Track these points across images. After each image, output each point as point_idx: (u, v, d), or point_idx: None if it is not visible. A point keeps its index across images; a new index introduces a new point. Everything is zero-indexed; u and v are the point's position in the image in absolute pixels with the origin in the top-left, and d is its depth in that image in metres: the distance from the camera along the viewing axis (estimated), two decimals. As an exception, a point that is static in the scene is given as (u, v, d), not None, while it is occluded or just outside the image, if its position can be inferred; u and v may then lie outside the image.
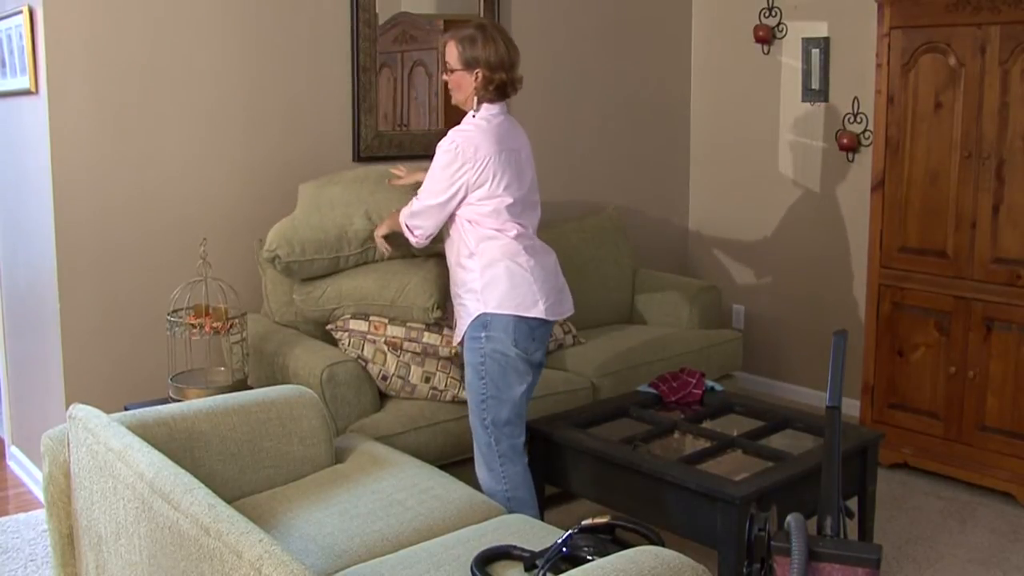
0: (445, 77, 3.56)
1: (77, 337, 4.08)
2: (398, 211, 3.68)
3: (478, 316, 3.42)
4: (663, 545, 2.45)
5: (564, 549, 2.45)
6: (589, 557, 2.39)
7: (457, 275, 3.52)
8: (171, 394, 3.68)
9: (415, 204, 3.55)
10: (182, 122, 4.25)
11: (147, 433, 2.85)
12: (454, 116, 5.16)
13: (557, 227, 5.26)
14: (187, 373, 3.81)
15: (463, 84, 3.50)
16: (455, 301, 3.56)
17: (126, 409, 3.42)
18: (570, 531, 2.51)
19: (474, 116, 3.52)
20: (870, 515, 3.79)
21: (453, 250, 3.53)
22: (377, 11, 4.76)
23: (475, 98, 3.50)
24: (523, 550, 2.58)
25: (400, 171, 4.14)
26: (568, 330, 4.68)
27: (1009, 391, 4.40)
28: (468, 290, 3.46)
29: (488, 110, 3.52)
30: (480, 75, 3.45)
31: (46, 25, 3.90)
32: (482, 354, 3.43)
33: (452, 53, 3.48)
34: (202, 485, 2.33)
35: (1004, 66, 4.29)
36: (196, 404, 3.13)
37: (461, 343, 3.56)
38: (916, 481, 4.68)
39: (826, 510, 2.39)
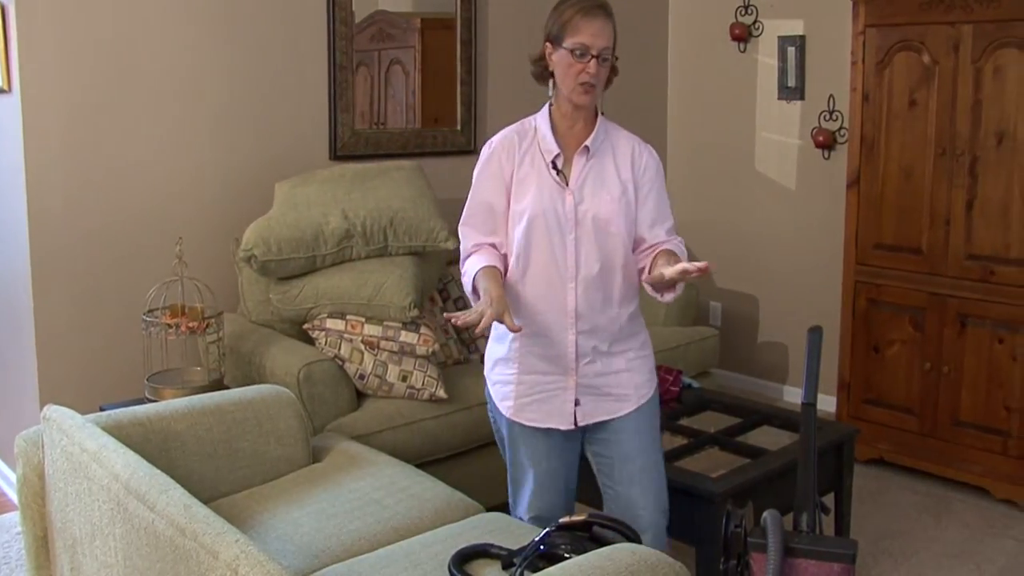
0: (595, 72, 2.78)
1: (51, 337, 4.05)
2: (670, 254, 2.82)
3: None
4: (640, 542, 2.45)
5: (542, 547, 2.45)
6: (566, 555, 2.39)
7: (636, 312, 2.96)
8: (147, 394, 3.66)
9: (674, 227, 2.94)
10: (157, 121, 4.22)
11: (122, 434, 2.83)
12: (431, 114, 5.21)
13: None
14: (163, 373, 3.79)
15: (606, 76, 2.87)
16: (619, 354, 2.92)
17: (101, 410, 3.41)
18: (547, 529, 2.50)
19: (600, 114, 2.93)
20: (846, 510, 3.81)
21: (624, 283, 2.88)
22: (354, 9, 4.75)
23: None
24: (501, 548, 2.58)
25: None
26: (546, 328, 4.68)
27: (983, 386, 4.43)
28: (647, 337, 3.03)
29: None
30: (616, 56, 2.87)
31: (18, 23, 3.87)
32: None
33: (610, 34, 2.83)
34: (178, 485, 2.32)
35: (977, 64, 4.32)
36: (172, 404, 3.12)
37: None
38: (892, 476, 4.71)
39: (802, 506, 2.40)
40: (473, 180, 2.94)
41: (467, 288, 2.86)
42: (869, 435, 4.71)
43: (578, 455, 3.01)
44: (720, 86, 5.96)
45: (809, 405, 2.50)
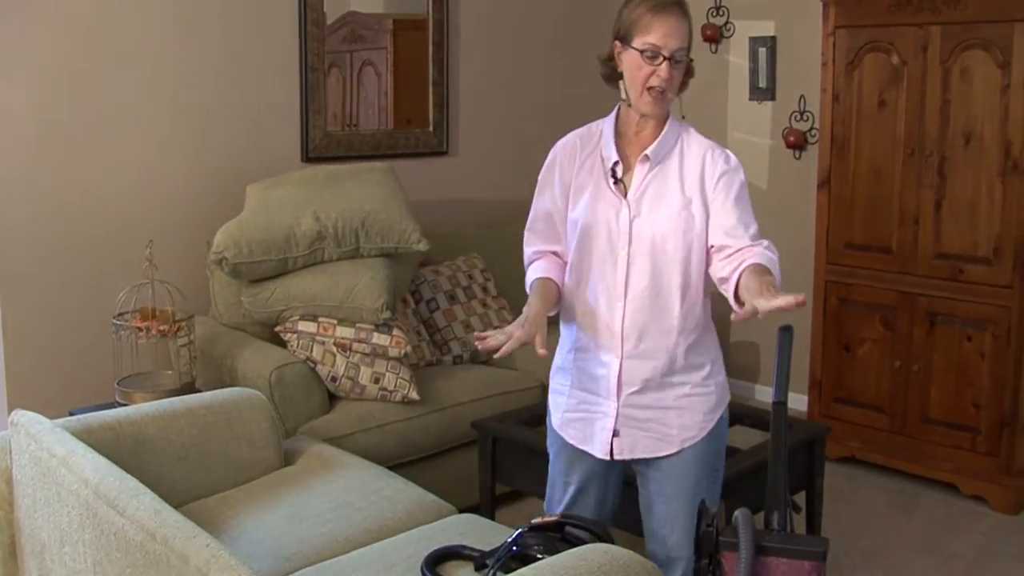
0: (667, 76, 2.53)
1: (19, 341, 4.02)
2: (762, 272, 2.45)
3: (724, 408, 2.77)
4: (612, 542, 2.46)
5: (514, 548, 2.46)
6: (539, 556, 2.40)
7: (700, 341, 2.67)
8: (118, 398, 3.64)
9: (759, 232, 2.61)
10: (127, 123, 4.20)
11: (92, 438, 2.81)
12: (403, 115, 5.20)
13: (506, 226, 5.26)
14: (134, 377, 3.77)
15: (680, 79, 2.61)
16: (673, 387, 2.64)
17: (71, 415, 3.38)
18: (520, 530, 2.51)
19: (673, 118, 2.70)
20: (818, 508, 3.83)
21: (684, 309, 2.61)
22: (325, 10, 4.74)
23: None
24: (473, 549, 2.58)
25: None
26: (518, 329, 4.68)
27: (952, 384, 4.47)
28: (717, 369, 2.73)
29: None
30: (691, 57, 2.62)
31: (-14, 25, 3.85)
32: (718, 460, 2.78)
33: (685, 34, 2.56)
34: (148, 490, 2.31)
35: (945, 65, 4.36)
36: (143, 408, 3.10)
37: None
38: (863, 474, 4.74)
39: (773, 505, 2.41)
40: (537, 185, 2.76)
41: None
42: (840, 433, 4.73)
43: (619, 482, 2.81)
44: (692, 86, 5.93)
45: (780, 404, 2.50)
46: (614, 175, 2.59)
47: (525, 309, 2.54)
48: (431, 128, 5.19)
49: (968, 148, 4.33)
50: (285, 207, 4.07)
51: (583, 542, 2.44)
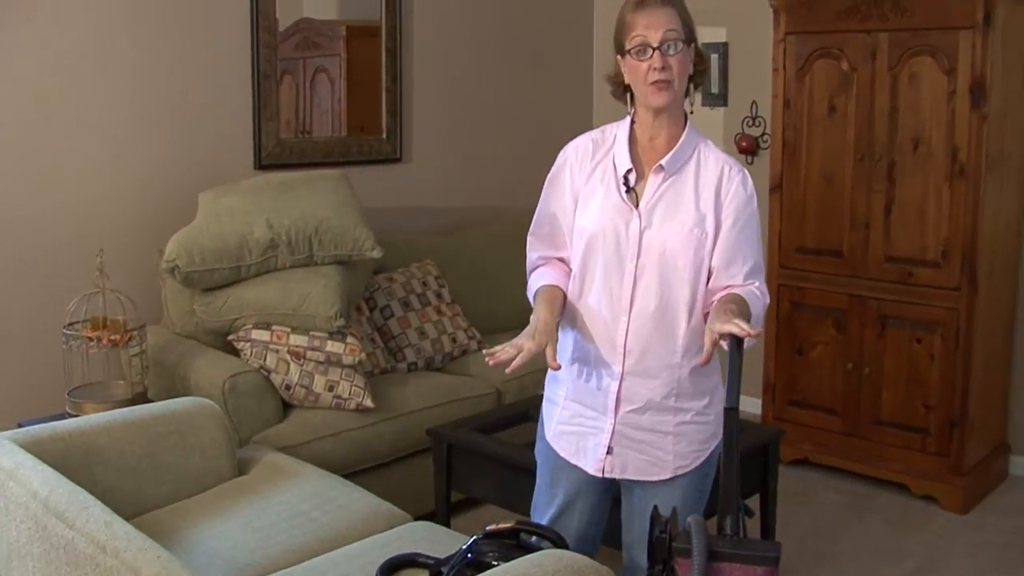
0: (663, 65, 2.41)
1: (-31, 352, 3.97)
2: (731, 300, 2.40)
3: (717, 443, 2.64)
4: (567, 548, 2.46)
5: (469, 555, 2.46)
6: (494, 562, 2.40)
7: (706, 368, 2.52)
8: (68, 409, 3.60)
9: (760, 276, 2.55)
10: (76, 130, 4.16)
11: (42, 450, 2.78)
12: (357, 122, 5.19)
13: (462, 232, 5.27)
14: (85, 387, 3.73)
15: (686, 68, 2.47)
16: (674, 411, 2.57)
17: (20, 426, 3.34)
18: (475, 537, 2.51)
19: (691, 127, 2.57)
20: (772, 511, 3.86)
21: (691, 330, 2.51)
22: (278, 17, 4.71)
23: (688, 92, 2.53)
24: (428, 557, 2.58)
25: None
26: (472, 335, 4.69)
27: (902, 386, 4.53)
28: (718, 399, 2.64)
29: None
30: (696, 51, 2.50)
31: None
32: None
33: (670, 20, 2.43)
34: (98, 502, 2.29)
35: (893, 71, 4.42)
36: (94, 419, 3.08)
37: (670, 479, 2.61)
38: (817, 476, 4.79)
39: (726, 510, 2.42)
40: (544, 187, 2.65)
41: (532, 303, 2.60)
42: (794, 436, 4.77)
43: (608, 498, 2.75)
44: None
45: (731, 410, 2.52)
46: (627, 183, 2.49)
47: (532, 318, 2.47)
48: (384, 135, 5.18)
49: (916, 153, 4.39)
50: (237, 215, 4.04)
51: (538, 548, 2.44)
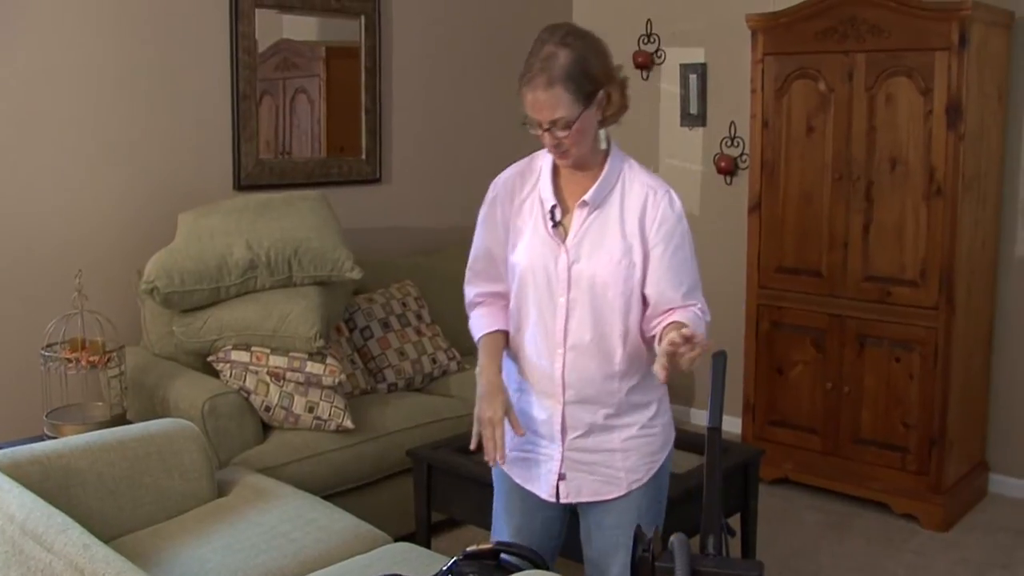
0: (554, 142, 2.45)
1: (-55, 374, 3.94)
2: (676, 325, 2.36)
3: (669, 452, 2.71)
4: (548, 568, 2.46)
5: (450, 576, 2.45)
6: (475, 583, 2.39)
7: (645, 382, 2.57)
8: (46, 431, 3.58)
9: (698, 295, 2.55)
10: (55, 150, 4.14)
11: (19, 473, 2.76)
12: (336, 143, 5.18)
13: (441, 252, 5.27)
14: (63, 409, 3.71)
15: (588, 127, 2.45)
16: (618, 428, 2.57)
17: (-2, 448, 3.31)
18: (455, 558, 2.50)
19: (626, 158, 2.58)
20: (753, 531, 3.86)
21: (627, 355, 2.53)
22: (257, 38, 4.72)
23: (603, 129, 2.52)
24: (409, 579, 2.57)
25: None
26: (452, 356, 4.68)
27: (882, 404, 4.55)
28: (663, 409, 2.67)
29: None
30: (609, 93, 2.47)
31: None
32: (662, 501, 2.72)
33: (558, 101, 2.41)
34: (77, 525, 2.27)
35: (870, 92, 4.45)
36: (72, 441, 3.06)
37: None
38: (797, 495, 4.79)
39: (709, 529, 2.42)
40: (477, 222, 2.66)
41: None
42: (774, 455, 4.78)
43: (562, 525, 2.74)
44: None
45: (714, 430, 2.52)
46: (553, 218, 2.50)
47: (480, 380, 2.52)
48: (364, 156, 5.18)
49: (894, 172, 4.42)
50: (217, 236, 4.03)
51: (518, 569, 2.44)
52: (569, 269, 2.48)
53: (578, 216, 2.50)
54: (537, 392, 2.58)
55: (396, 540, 3.11)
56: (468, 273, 2.69)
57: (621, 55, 5.93)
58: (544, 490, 2.63)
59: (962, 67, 4.22)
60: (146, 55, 4.37)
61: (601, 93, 2.43)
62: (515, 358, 2.62)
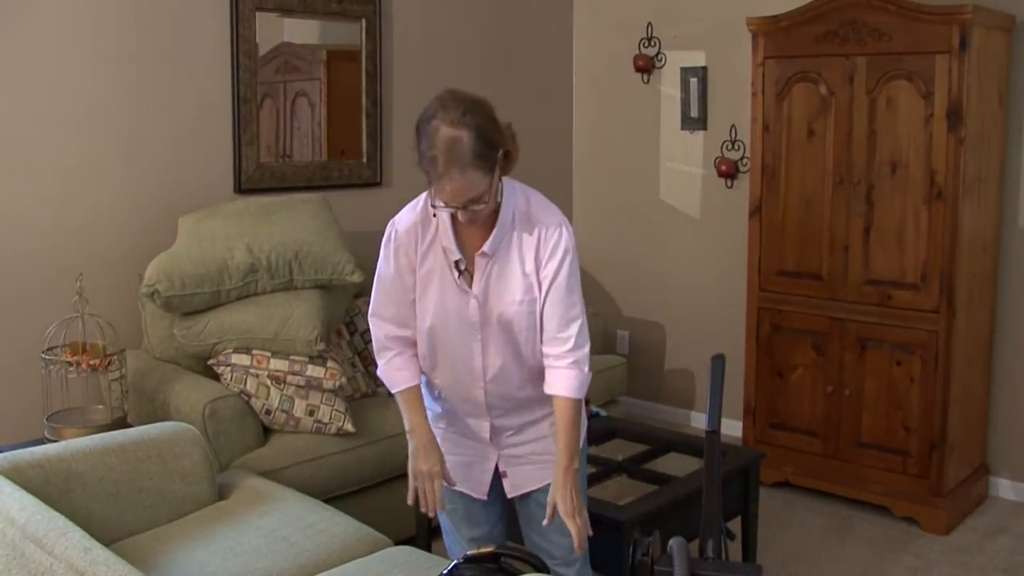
0: (467, 218, 2.58)
1: (-54, 378, 3.94)
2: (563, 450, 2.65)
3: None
4: (547, 572, 2.46)
5: (450, 580, 2.45)
6: (475, 587, 2.39)
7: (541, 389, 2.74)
8: (47, 434, 3.58)
9: (578, 328, 2.66)
10: (56, 154, 4.14)
11: (20, 476, 2.76)
12: (337, 146, 5.19)
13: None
14: (64, 412, 3.71)
15: (496, 188, 2.60)
16: (541, 420, 2.80)
17: (-2, 452, 3.32)
18: (455, 561, 2.50)
19: (516, 192, 2.71)
20: (753, 534, 3.87)
21: (536, 367, 2.72)
22: (258, 41, 4.72)
23: (501, 178, 2.64)
24: (410, 582, 2.57)
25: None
26: (455, 359, 4.68)
27: (883, 408, 4.54)
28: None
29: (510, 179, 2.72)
30: (507, 151, 2.61)
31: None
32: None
33: (473, 182, 2.50)
34: (77, 528, 2.28)
35: (871, 95, 4.45)
36: (73, 444, 3.06)
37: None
38: (798, 498, 4.79)
39: (708, 533, 2.43)
40: (378, 265, 2.76)
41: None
42: (775, 459, 4.78)
43: (502, 518, 2.93)
44: (625, 117, 6.04)
45: (713, 433, 2.53)
46: (458, 269, 2.65)
47: (411, 438, 2.70)
48: (364, 159, 5.18)
49: (895, 176, 4.42)
50: (218, 239, 4.04)
51: (519, 572, 2.44)
52: (480, 311, 2.65)
53: (480, 264, 2.65)
54: (464, 414, 2.79)
55: (396, 543, 3.11)
56: (372, 318, 2.79)
57: (622, 59, 5.96)
58: (476, 488, 2.83)
59: (963, 70, 4.22)
60: (147, 58, 4.37)
61: (500, 153, 2.56)
62: (433, 394, 2.82)
